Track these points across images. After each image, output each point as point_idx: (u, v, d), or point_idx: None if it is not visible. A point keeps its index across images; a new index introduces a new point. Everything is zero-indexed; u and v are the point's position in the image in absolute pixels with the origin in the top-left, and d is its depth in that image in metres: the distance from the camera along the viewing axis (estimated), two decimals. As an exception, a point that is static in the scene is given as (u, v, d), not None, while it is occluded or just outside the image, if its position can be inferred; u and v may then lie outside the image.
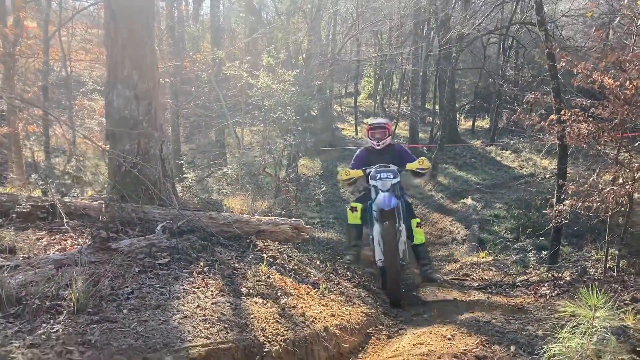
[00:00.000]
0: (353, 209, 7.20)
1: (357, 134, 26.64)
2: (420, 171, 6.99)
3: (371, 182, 6.78)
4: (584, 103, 8.27)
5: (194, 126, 21.47)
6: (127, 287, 4.08)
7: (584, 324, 2.80)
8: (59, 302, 3.82)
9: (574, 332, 2.85)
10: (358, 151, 7.81)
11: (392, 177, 6.65)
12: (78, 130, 8.67)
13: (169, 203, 6.19)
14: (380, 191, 6.59)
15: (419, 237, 7.05)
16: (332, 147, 22.32)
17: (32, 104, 8.36)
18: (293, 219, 6.23)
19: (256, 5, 20.81)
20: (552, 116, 8.21)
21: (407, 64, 26.31)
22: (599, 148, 8.73)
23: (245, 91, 11.34)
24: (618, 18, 7.50)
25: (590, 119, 7.94)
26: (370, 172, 6.84)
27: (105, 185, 6.41)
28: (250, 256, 5.30)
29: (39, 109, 8.32)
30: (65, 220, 5.60)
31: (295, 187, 14.81)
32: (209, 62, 13.35)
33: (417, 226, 7.06)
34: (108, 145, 6.61)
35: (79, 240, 5.60)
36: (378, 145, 7.35)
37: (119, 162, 6.18)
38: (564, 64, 7.79)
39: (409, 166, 6.91)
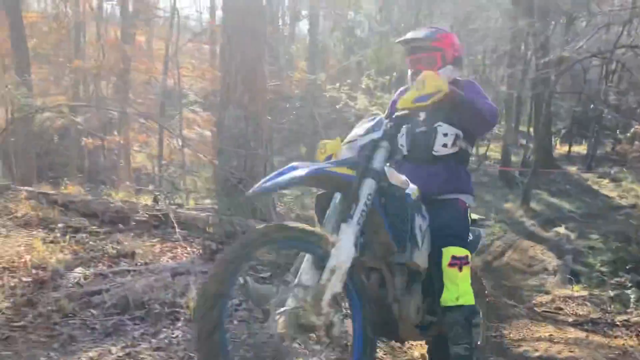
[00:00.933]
0: None
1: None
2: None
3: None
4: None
5: (284, 139, 22.15)
6: (234, 298, 4.40)
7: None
8: (177, 309, 4.18)
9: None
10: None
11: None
12: (189, 144, 9.29)
13: (269, 218, 6.55)
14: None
15: (455, 292, 3.06)
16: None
17: (149, 117, 9.08)
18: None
19: (355, 29, 21.22)
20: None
21: (502, 86, 25.77)
22: None
23: (342, 111, 11.68)
24: None
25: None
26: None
27: (213, 198, 6.87)
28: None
29: (152, 121, 9.04)
30: (176, 229, 6.08)
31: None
32: (307, 81, 13.84)
33: (453, 264, 3.08)
34: (217, 161, 7.09)
35: (188, 249, 6.06)
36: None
37: (227, 177, 6.62)
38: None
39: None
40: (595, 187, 20.88)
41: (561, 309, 8.99)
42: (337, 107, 11.57)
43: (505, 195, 19.91)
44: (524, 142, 26.05)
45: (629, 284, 11.07)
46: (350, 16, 20.77)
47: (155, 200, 7.49)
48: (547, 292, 11.08)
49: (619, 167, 20.59)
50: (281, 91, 13.78)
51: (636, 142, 10.69)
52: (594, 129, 22.78)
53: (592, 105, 21.00)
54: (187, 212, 6.82)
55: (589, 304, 9.23)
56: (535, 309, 8.82)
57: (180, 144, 9.69)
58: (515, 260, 14.86)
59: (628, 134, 18.59)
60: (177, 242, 6.10)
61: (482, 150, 24.43)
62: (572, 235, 15.68)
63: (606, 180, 21.12)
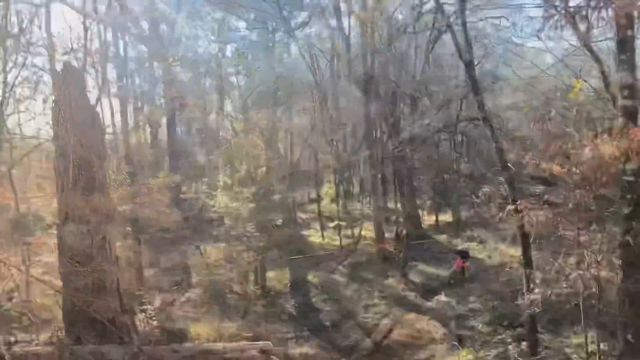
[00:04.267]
0: None
1: (323, 239, 26.50)
2: None
3: None
4: (537, 191, 8.49)
5: (157, 249, 21.02)
6: None
7: None
8: None
9: None
10: None
11: None
12: (26, 270, 8.31)
13: (128, 339, 5.86)
14: None
15: None
16: (300, 255, 22.03)
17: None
18: (261, 342, 5.95)
19: (212, 126, 21.35)
20: (509, 207, 8.37)
21: (365, 167, 26.96)
22: (559, 233, 8.87)
23: (205, 210, 11.33)
24: (553, 111, 7.94)
25: (546, 206, 8.12)
26: None
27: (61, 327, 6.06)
28: (217, 390, 4.95)
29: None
30: (13, 372, 5.20)
31: (265, 302, 14.39)
32: (167, 186, 13.39)
33: None
34: (61, 284, 6.34)
35: (30, 392, 5.18)
36: None
37: (73, 301, 5.90)
38: (512, 156, 8.09)
39: None
40: (465, 251, 21.92)
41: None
42: (196, 208, 11.21)
43: (385, 271, 20.18)
44: (394, 218, 27.01)
45: (509, 340, 11.39)
46: (212, 118, 20.91)
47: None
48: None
49: (481, 229, 21.91)
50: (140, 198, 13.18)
51: (491, 204, 11.48)
52: (454, 196, 24.27)
53: (446, 176, 22.47)
54: (31, 349, 5.91)
55: (476, 368, 9.27)
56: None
57: (20, 273, 8.66)
58: (403, 335, 14.84)
59: (482, 198, 19.98)
60: (15, 388, 5.20)
61: (355, 231, 24.90)
62: (453, 302, 16.12)
63: (474, 243, 22.32)
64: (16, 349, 5.63)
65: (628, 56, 6.89)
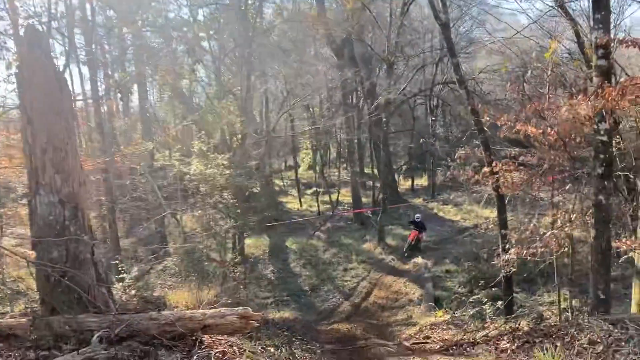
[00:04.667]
0: None
1: (301, 206, 26.58)
2: None
3: None
4: (513, 152, 8.55)
5: (133, 219, 20.83)
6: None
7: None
8: None
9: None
10: None
11: None
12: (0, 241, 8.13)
13: (105, 309, 5.78)
14: None
15: None
16: (277, 221, 22.09)
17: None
18: (240, 307, 5.91)
19: (185, 92, 20.95)
20: (485, 169, 8.41)
21: (341, 133, 26.88)
22: (534, 194, 8.99)
23: (180, 178, 11.17)
24: (530, 71, 7.92)
25: (521, 167, 8.20)
26: None
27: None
28: (196, 356, 4.94)
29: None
30: (-16, 344, 5.09)
31: (244, 269, 14.41)
32: (141, 154, 13.15)
33: None
34: (34, 255, 6.19)
35: (7, 364, 5.09)
36: None
37: (47, 272, 5.77)
38: (488, 118, 8.09)
39: None
40: (441, 214, 22.23)
41: (429, 337, 9.09)
42: (171, 175, 11.04)
43: (363, 236, 20.38)
44: (370, 183, 27.18)
45: (484, 299, 11.63)
46: (186, 84, 20.49)
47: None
48: (414, 324, 11.25)
49: (456, 192, 22.14)
50: (115, 168, 12.94)
51: (466, 167, 11.54)
52: (429, 161, 24.45)
53: (422, 140, 22.55)
54: (2, 322, 5.78)
55: (452, 327, 9.45)
56: (405, 342, 8.80)
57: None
58: (381, 297, 15.09)
59: (457, 161, 20.15)
60: (-11, 360, 5.10)
61: (333, 197, 24.99)
62: (429, 263, 16.39)
63: (449, 206, 22.62)
64: (-11, 321, 5.51)
65: (603, 15, 6.87)
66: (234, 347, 5.56)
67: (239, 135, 18.27)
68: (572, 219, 7.40)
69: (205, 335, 5.57)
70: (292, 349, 7.08)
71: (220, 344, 5.51)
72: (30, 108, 6.14)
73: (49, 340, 5.20)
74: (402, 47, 21.97)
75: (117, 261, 8.10)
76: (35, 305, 6.91)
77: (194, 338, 5.38)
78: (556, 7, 10.66)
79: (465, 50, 22.44)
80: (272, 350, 6.40)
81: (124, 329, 5.20)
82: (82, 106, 16.49)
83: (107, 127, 15.79)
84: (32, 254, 6.75)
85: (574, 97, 6.21)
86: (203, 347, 5.24)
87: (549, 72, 7.73)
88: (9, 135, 12.11)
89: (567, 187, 8.22)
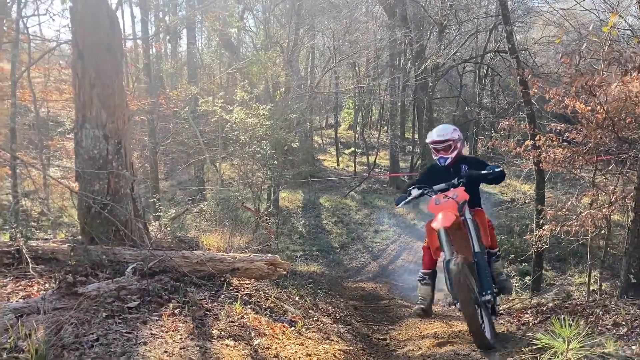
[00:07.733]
0: None
1: (338, 165, 26.64)
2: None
3: None
4: (558, 128, 8.32)
5: (174, 162, 21.33)
6: (92, 333, 3.87)
7: (558, 356, 2.70)
8: (16, 355, 3.60)
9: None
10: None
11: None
12: (47, 171, 8.49)
13: (141, 243, 6.03)
14: None
15: None
16: (313, 178, 22.27)
17: None
18: (269, 254, 6.08)
19: (234, 41, 21.00)
20: (527, 142, 8.24)
21: (385, 95, 26.55)
22: (575, 172, 8.78)
23: (221, 126, 11.31)
24: (585, 44, 7.61)
25: (565, 144, 7.99)
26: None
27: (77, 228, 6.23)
28: (223, 295, 5.14)
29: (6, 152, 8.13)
30: (31, 265, 5.39)
31: (276, 220, 14.67)
32: (185, 98, 13.34)
33: None
34: (77, 186, 6.45)
35: (47, 286, 5.39)
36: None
37: (88, 203, 6.02)
38: (536, 91, 7.86)
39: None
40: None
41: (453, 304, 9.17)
42: (213, 120, 11.17)
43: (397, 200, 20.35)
44: (410, 148, 26.95)
45: (513, 274, 11.58)
46: (234, 33, 20.50)
47: (11, 237, 6.68)
48: (440, 290, 11.32)
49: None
50: (160, 110, 13.17)
51: (509, 139, 11.26)
52: (473, 130, 24.00)
53: (468, 108, 22.12)
54: (46, 246, 6.10)
55: (477, 296, 9.47)
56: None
57: (40, 174, 8.83)
58: (409, 261, 15.19)
59: (501, 132, 19.76)
60: (33, 280, 5.41)
61: (371, 159, 24.94)
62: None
63: (488, 178, 22.29)
64: (33, 243, 5.83)
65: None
66: (260, 292, 5.74)
67: (282, 88, 18.29)
68: (612, 200, 7.23)
69: (234, 278, 5.79)
70: (317, 299, 7.26)
71: (247, 287, 5.71)
72: (82, 43, 6.30)
73: (87, 267, 5.47)
74: (455, 11, 21.30)
75: (155, 200, 8.37)
76: (76, 234, 7.25)
77: (222, 279, 5.59)
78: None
79: (521, 19, 21.62)
80: (296, 299, 6.57)
81: (156, 264, 5.44)
82: (132, 47, 16.70)
83: (155, 69, 16.01)
84: (75, 185, 7.05)
85: (628, 74, 5.95)
86: (231, 288, 5.45)
87: (606, 48, 7.41)
88: (61, 69, 12.49)
89: (610, 168, 7.99)
